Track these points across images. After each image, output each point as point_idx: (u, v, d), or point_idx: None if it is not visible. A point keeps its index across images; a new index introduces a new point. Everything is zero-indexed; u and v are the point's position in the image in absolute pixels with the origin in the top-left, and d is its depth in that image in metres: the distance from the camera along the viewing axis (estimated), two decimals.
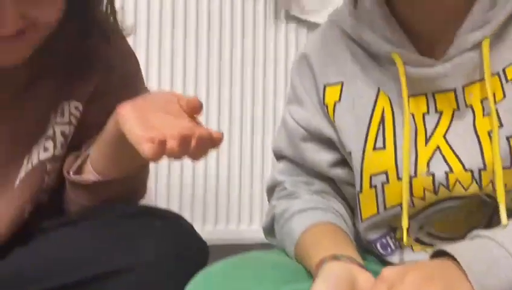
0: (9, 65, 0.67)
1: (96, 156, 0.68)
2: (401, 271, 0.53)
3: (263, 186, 1.40)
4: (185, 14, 1.49)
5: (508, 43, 0.64)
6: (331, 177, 0.74)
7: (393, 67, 0.66)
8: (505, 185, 0.62)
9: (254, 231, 1.50)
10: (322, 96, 0.72)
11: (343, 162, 0.72)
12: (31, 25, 0.63)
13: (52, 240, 0.68)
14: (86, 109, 0.75)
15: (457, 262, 0.54)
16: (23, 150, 0.71)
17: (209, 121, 1.49)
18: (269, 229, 0.76)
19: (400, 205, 0.65)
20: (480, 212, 0.67)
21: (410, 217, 0.66)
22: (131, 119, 0.56)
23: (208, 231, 1.48)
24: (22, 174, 0.70)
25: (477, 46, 0.63)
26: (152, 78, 1.46)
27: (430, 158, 0.65)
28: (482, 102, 0.64)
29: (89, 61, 0.74)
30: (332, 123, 0.71)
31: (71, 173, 0.70)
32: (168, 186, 1.47)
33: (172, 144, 0.52)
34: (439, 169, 0.64)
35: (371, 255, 0.72)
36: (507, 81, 0.64)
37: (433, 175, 0.64)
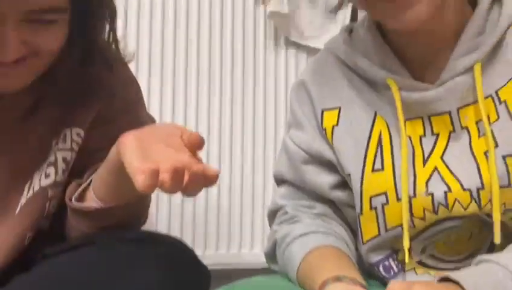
0: (11, 91, 0.68)
1: (98, 183, 0.68)
2: (409, 284, 0.55)
3: (264, 210, 1.39)
4: (187, 40, 1.51)
5: (498, 66, 0.66)
6: (332, 200, 0.74)
7: (389, 92, 0.67)
8: (504, 204, 0.63)
9: (256, 255, 1.49)
10: (320, 120, 0.73)
11: (344, 184, 0.73)
12: (33, 52, 0.63)
13: (52, 266, 0.68)
14: (88, 134, 0.75)
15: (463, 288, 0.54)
16: (25, 176, 0.71)
17: (210, 145, 1.50)
18: (271, 255, 0.76)
19: (401, 225, 0.66)
20: (482, 233, 0.67)
21: (412, 238, 0.66)
22: (131, 149, 0.56)
23: (209, 255, 1.47)
24: (22, 200, 0.71)
25: (469, 70, 0.65)
26: (154, 105, 1.47)
27: (429, 178, 0.66)
28: (477, 123, 0.66)
29: (92, 89, 0.75)
30: (331, 146, 0.72)
31: (73, 200, 0.70)
32: (169, 210, 1.47)
33: (164, 176, 0.51)
34: (438, 189, 0.65)
35: (374, 279, 0.71)
36: (500, 103, 0.65)
37: (432, 195, 0.65)
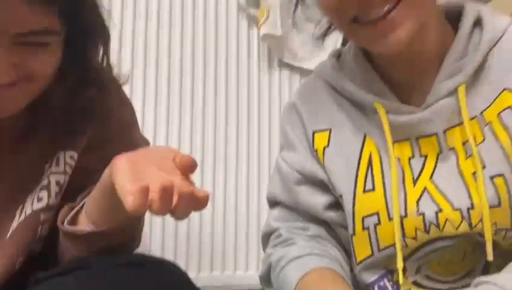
0: (6, 115, 0.68)
1: (91, 206, 0.67)
2: None
3: (259, 231, 1.38)
4: (181, 62, 1.53)
5: (481, 88, 0.67)
6: (326, 221, 0.74)
7: (377, 115, 0.69)
8: (495, 224, 0.64)
9: (251, 277, 1.48)
10: (311, 141, 0.74)
11: (337, 204, 0.73)
12: (27, 75, 0.63)
13: None
14: (82, 157, 0.75)
15: None
16: (17, 200, 0.71)
17: (204, 165, 1.50)
18: (266, 278, 0.76)
19: (393, 245, 0.66)
20: (475, 252, 0.67)
21: (406, 259, 0.67)
22: (123, 172, 0.56)
23: (203, 276, 1.46)
24: (14, 225, 0.70)
25: (454, 92, 0.66)
26: (148, 127, 1.47)
27: (419, 198, 0.66)
28: (464, 144, 0.66)
29: (86, 111, 0.75)
30: (323, 166, 0.73)
31: (65, 223, 0.70)
32: (163, 231, 1.46)
33: (152, 196, 0.51)
34: (428, 208, 0.65)
35: None
36: (485, 124, 0.66)
37: (423, 215, 0.65)
